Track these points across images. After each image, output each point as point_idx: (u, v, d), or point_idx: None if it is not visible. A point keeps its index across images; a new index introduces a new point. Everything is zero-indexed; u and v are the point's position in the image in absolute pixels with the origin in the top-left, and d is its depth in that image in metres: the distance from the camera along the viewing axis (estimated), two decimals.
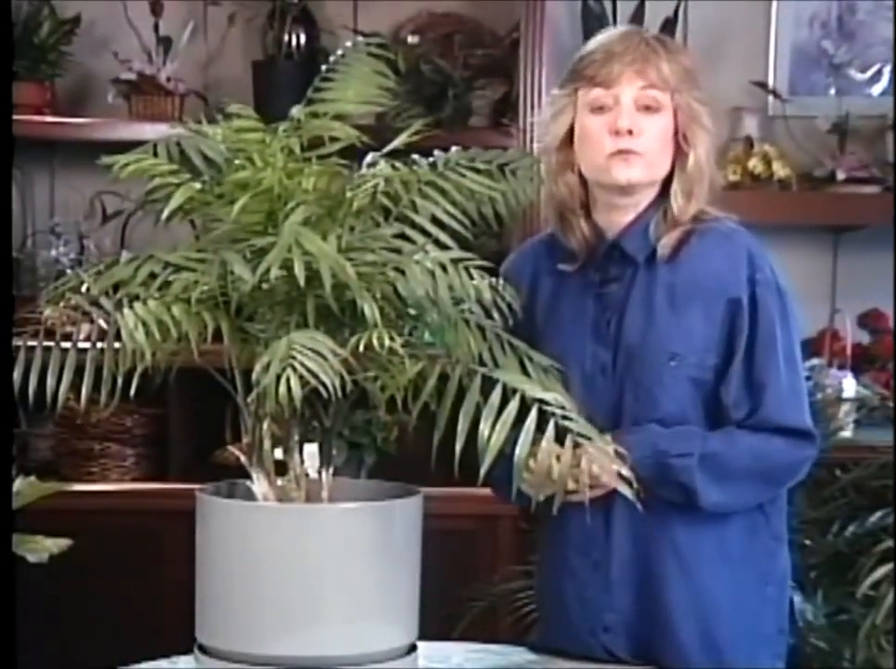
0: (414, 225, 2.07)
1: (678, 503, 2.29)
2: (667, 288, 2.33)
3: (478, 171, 2.12)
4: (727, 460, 2.29)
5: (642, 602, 2.34)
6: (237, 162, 2.04)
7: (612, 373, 2.34)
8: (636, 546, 2.33)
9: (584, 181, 2.37)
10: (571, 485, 2.08)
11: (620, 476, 1.99)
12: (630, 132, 2.28)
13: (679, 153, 2.33)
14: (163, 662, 2.32)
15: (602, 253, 2.37)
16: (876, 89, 4.17)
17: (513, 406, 1.91)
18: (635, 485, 2.01)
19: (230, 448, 2.11)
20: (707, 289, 2.31)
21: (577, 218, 2.37)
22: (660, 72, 2.30)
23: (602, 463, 1.97)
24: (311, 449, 2.07)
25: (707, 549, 2.33)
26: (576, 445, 1.92)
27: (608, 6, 3.96)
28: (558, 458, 1.92)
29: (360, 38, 2.25)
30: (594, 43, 2.36)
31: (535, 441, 1.90)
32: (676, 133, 2.32)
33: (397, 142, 2.15)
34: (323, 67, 2.18)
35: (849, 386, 3.93)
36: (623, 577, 2.34)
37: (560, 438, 1.90)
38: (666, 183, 2.35)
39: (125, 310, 1.93)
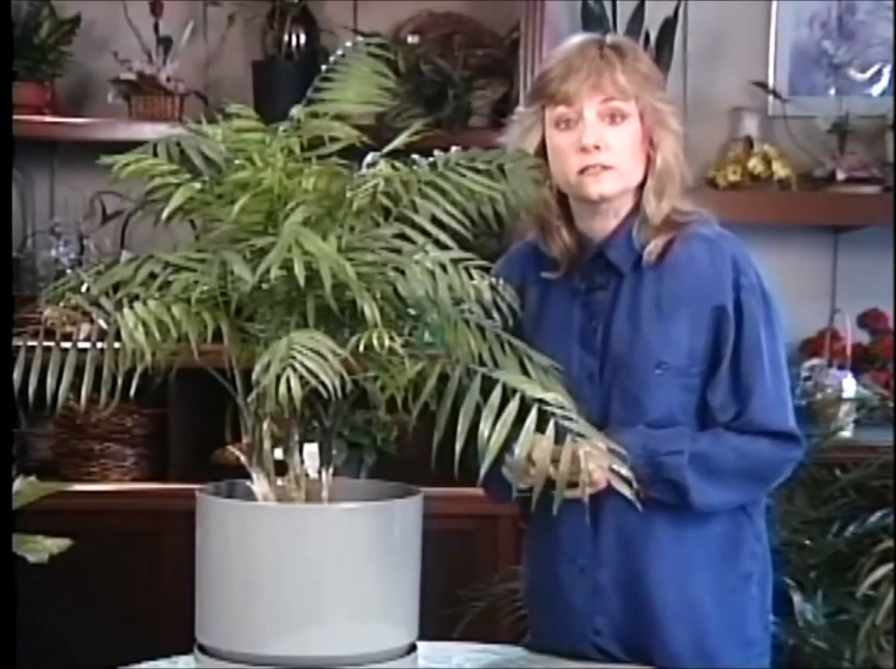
0: (414, 225, 2.07)
1: (669, 502, 2.30)
2: (653, 296, 2.33)
3: (478, 171, 2.11)
4: (715, 459, 2.30)
5: (630, 605, 2.34)
6: (237, 162, 2.04)
7: (599, 380, 2.35)
8: (622, 550, 2.33)
9: (561, 192, 2.37)
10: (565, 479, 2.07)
11: (618, 475, 2.00)
12: (597, 147, 2.29)
13: (649, 156, 2.34)
14: (162, 662, 2.32)
15: (588, 260, 2.37)
16: (876, 89, 4.17)
17: (513, 406, 1.91)
18: (635, 485, 2.02)
19: (230, 448, 2.11)
20: (693, 297, 2.32)
21: (558, 229, 2.38)
22: (616, 83, 2.30)
23: (600, 460, 1.98)
24: (311, 449, 2.07)
25: (693, 551, 2.34)
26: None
27: (608, 6, 3.95)
28: (555, 463, 1.92)
29: (360, 38, 2.25)
30: (553, 59, 2.36)
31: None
32: (644, 136, 2.33)
33: (397, 142, 2.15)
34: (323, 67, 2.18)
35: (849, 386, 3.93)
36: (609, 581, 2.34)
37: (559, 437, 1.90)
38: (644, 186, 2.35)
39: (125, 310, 1.92)
